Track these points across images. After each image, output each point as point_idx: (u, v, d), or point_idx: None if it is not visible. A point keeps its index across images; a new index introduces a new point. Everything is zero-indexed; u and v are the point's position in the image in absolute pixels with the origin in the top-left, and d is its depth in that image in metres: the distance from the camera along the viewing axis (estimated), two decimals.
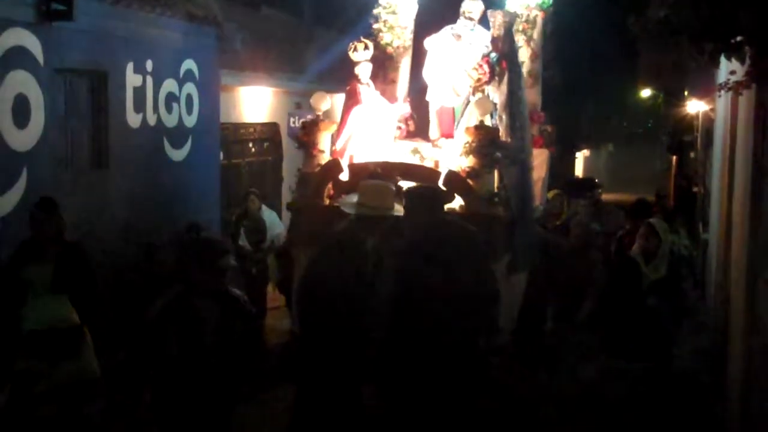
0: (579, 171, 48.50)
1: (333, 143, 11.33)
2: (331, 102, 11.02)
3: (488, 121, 11.03)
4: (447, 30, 12.01)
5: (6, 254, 7.82)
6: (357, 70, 11.51)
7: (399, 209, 7.54)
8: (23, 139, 9.05)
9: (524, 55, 12.40)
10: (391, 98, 12.10)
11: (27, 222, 7.76)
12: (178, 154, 13.04)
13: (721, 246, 10.75)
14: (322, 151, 10.70)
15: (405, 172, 10.39)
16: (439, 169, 10.60)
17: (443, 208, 7.68)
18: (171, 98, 12.77)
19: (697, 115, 22.10)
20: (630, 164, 48.70)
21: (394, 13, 12.37)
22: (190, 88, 12.83)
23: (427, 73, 12.11)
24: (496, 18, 11.38)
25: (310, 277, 7.55)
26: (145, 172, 12.07)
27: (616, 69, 31.93)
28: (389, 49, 12.36)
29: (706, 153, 18.16)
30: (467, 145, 10.33)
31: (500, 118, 11.04)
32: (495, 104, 11.21)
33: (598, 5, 24.63)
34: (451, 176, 10.28)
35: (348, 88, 11.55)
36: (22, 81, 9.08)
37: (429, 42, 12.05)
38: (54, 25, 9.33)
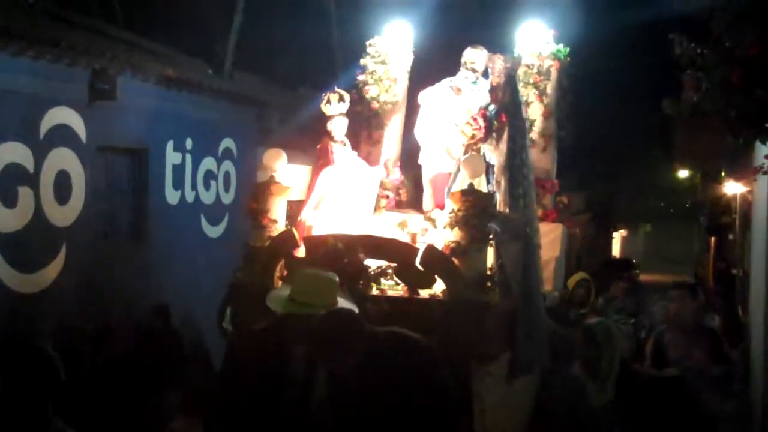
0: (616, 251, 45.37)
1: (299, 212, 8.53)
2: (286, 160, 8.18)
3: (483, 186, 8.15)
4: (445, 83, 9.29)
5: (48, 327, 7.42)
6: (330, 125, 8.84)
7: (344, 303, 5.40)
8: (64, 215, 8.71)
9: (536, 112, 9.56)
10: (377, 162, 9.30)
11: (64, 294, 7.72)
12: (214, 231, 12.80)
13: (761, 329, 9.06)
14: (275, 221, 7.92)
15: (373, 247, 7.62)
16: (417, 245, 7.66)
17: (361, 333, 4.96)
18: (209, 176, 12.62)
19: (734, 197, 20.18)
20: (667, 245, 45.73)
21: (383, 63, 9.68)
22: (228, 165, 12.54)
23: (420, 133, 9.34)
24: (496, 63, 8.61)
25: (219, 396, 5.45)
26: (181, 248, 11.70)
27: (652, 145, 29.16)
28: (374, 104, 9.51)
29: (745, 235, 16.82)
30: (452, 214, 7.41)
31: (498, 183, 8.18)
32: (491, 165, 8.33)
33: (628, 72, 21.51)
34: (431, 254, 7.44)
35: (318, 146, 8.84)
36: (64, 158, 8.82)
37: (423, 96, 9.34)
38: (97, 104, 9.18)
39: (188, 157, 11.64)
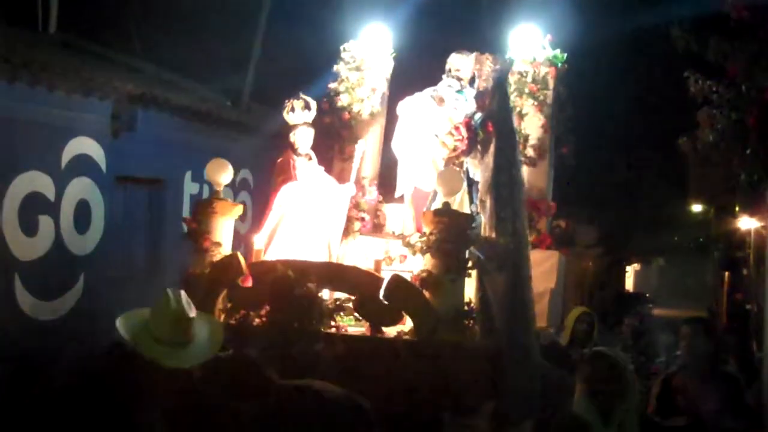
0: (629, 285, 43.54)
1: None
2: (232, 173, 6.62)
3: (464, 207, 6.59)
4: (427, 92, 7.68)
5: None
6: (293, 136, 7.23)
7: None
8: (82, 244, 8.34)
9: (533, 124, 7.97)
10: (349, 180, 7.77)
11: (81, 322, 7.49)
12: None
13: None
14: (218, 244, 6.33)
15: (329, 276, 6.08)
16: (381, 275, 6.07)
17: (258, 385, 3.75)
18: None
19: (749, 232, 19.60)
20: (681, 279, 43.74)
21: (358, 69, 8.11)
22: (244, 196, 11.49)
23: (397, 147, 7.77)
24: (483, 65, 7.01)
25: None
26: None
27: (666, 178, 27.63)
28: (346, 115, 7.95)
29: (759, 270, 16.16)
30: (424, 238, 5.82)
31: (482, 203, 6.61)
32: (475, 182, 6.76)
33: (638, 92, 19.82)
34: (396, 285, 5.89)
35: (279, 160, 7.23)
36: (85, 187, 8.52)
37: (402, 107, 7.80)
38: (118, 135, 8.74)
39: (205, 187, 10.57)
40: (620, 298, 24.64)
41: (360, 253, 7.28)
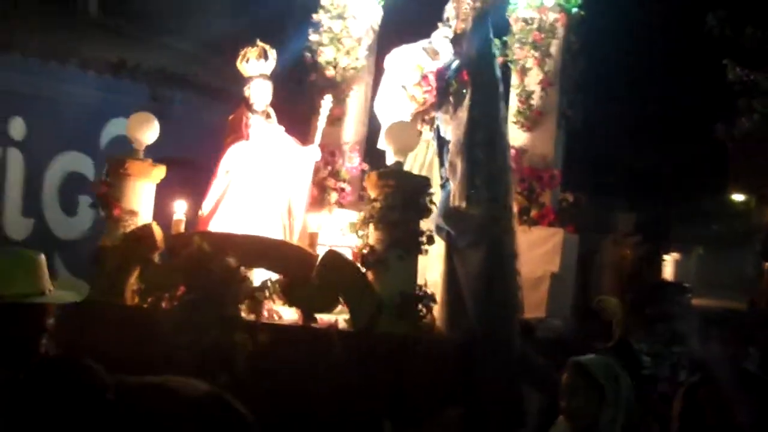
0: (668, 275, 41.50)
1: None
2: (157, 129, 5.26)
3: (432, 172, 5.18)
4: (421, 44, 6.23)
5: None
6: (247, 90, 5.84)
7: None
8: None
9: (533, 80, 6.47)
10: (338, 145, 6.39)
11: None
12: None
13: None
14: (133, 213, 4.95)
15: (253, 252, 4.63)
16: (316, 250, 4.68)
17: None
18: None
19: None
20: (720, 269, 41.61)
21: (341, 17, 6.71)
22: None
23: (380, 107, 6.34)
24: (461, 3, 5.51)
25: None
26: None
27: (704, 165, 25.92)
28: (329, 72, 6.56)
29: None
30: (368, 206, 4.41)
31: (452, 166, 5.12)
32: (446, 142, 5.32)
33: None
34: (332, 263, 4.43)
35: (230, 117, 5.85)
36: None
37: (389, 60, 6.34)
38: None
39: None
40: (658, 288, 22.79)
41: (336, 229, 5.89)
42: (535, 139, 6.67)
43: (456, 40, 5.75)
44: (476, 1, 5.51)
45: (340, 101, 6.85)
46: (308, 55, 6.96)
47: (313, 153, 5.97)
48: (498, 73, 5.50)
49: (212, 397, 2.82)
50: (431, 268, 5.29)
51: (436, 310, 5.00)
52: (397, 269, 4.55)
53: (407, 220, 4.57)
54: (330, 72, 6.89)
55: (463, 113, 5.32)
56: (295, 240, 5.57)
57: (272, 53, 6.08)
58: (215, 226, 5.57)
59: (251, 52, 6.03)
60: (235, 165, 5.85)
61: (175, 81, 8.73)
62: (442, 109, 5.53)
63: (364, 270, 4.58)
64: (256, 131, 5.93)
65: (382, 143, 4.98)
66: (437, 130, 5.60)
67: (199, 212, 5.76)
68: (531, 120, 6.64)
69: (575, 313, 6.86)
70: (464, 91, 5.32)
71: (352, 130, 7.00)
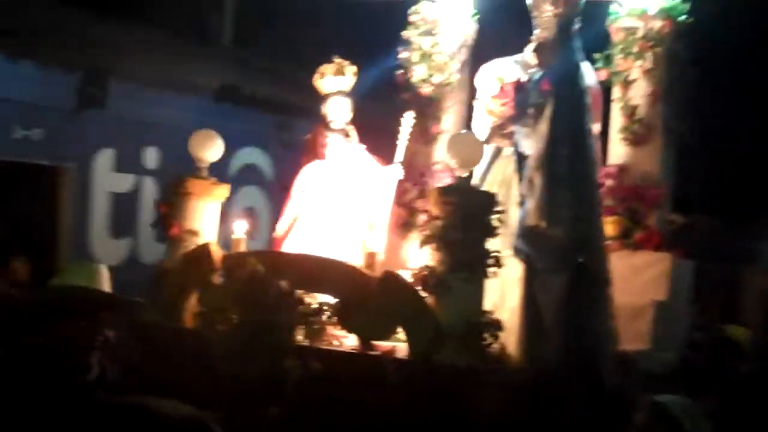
0: None
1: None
2: (222, 149, 5.10)
3: (511, 187, 4.80)
4: (513, 58, 5.93)
5: None
6: (325, 108, 5.59)
7: None
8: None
9: (639, 92, 5.94)
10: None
11: None
12: None
13: None
14: (193, 233, 4.78)
15: (310, 274, 4.40)
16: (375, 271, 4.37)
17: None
18: None
19: None
20: None
21: (430, 34, 6.36)
22: None
23: (477, 128, 5.98)
24: (542, 9, 5.10)
25: None
26: None
27: None
28: (423, 89, 6.27)
29: None
30: (428, 224, 4.08)
31: (530, 183, 4.68)
32: (524, 158, 4.90)
33: None
34: (390, 286, 4.10)
35: (307, 136, 5.67)
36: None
37: (481, 76, 6.00)
38: None
39: None
40: None
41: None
42: (639, 155, 6.11)
43: (538, 50, 5.32)
44: (558, 8, 5.08)
45: (436, 119, 6.53)
46: (399, 73, 6.67)
47: (394, 172, 5.67)
48: (584, 83, 5.06)
49: (192, 421, 2.58)
50: (510, 294, 4.88)
51: (512, 339, 4.58)
52: (461, 293, 4.18)
53: (471, 240, 4.19)
54: (423, 89, 6.58)
55: (543, 126, 4.89)
56: (377, 263, 5.30)
57: (350, 69, 5.86)
58: (289, 247, 5.37)
59: (327, 69, 5.84)
60: (310, 185, 5.65)
61: (301, 111, 8.56)
62: (521, 122, 5.12)
63: (424, 294, 4.22)
64: (333, 150, 5.70)
65: (445, 157, 4.62)
66: (516, 145, 5.19)
67: (274, 233, 5.60)
68: (635, 135, 6.11)
69: (691, 345, 6.23)
70: (544, 102, 4.89)
71: (444, 149, 6.65)
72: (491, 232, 4.27)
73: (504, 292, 4.88)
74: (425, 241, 4.26)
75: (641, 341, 5.79)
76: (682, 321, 6.38)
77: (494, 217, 4.29)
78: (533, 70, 5.38)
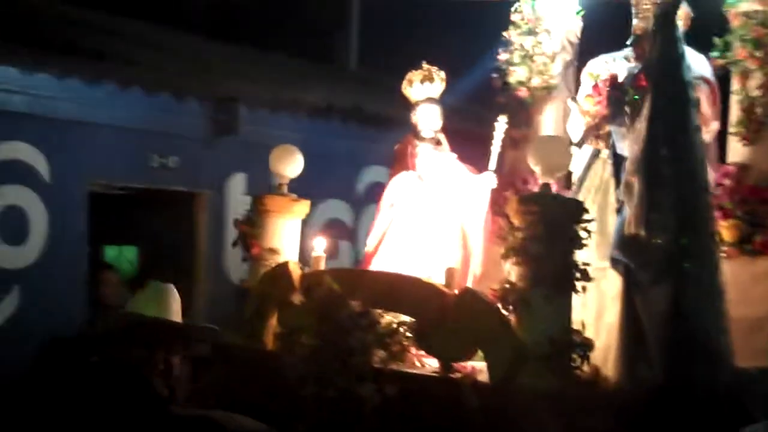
0: None
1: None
2: (301, 162, 4.93)
3: (607, 192, 4.44)
4: (620, 54, 5.51)
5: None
6: (415, 116, 5.35)
7: None
8: None
9: (754, 84, 5.43)
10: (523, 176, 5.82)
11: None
12: None
13: None
14: (274, 251, 4.63)
15: (387, 292, 4.13)
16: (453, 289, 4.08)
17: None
18: None
19: None
20: None
21: (532, 33, 6.03)
22: None
23: (573, 128, 5.63)
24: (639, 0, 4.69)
25: None
26: None
27: None
28: (521, 91, 5.96)
29: None
30: (509, 236, 3.78)
31: (627, 187, 4.30)
32: (623, 159, 4.53)
33: None
34: (468, 303, 3.82)
35: (396, 146, 5.44)
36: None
37: (587, 72, 5.62)
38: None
39: None
40: None
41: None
42: (759, 152, 5.57)
43: (635, 43, 4.90)
44: None
45: (529, 124, 6.17)
46: (497, 76, 6.35)
47: (487, 180, 5.35)
48: (688, 75, 4.62)
49: None
50: (608, 310, 4.49)
51: (610, 359, 4.20)
52: (544, 311, 3.82)
53: (555, 252, 3.84)
54: (522, 92, 6.24)
55: (641, 124, 4.48)
56: (471, 276, 5.02)
57: (439, 75, 5.59)
58: (379, 263, 5.14)
59: (415, 76, 5.59)
60: (399, 197, 5.39)
61: None
62: (617, 122, 4.71)
63: (505, 312, 3.90)
64: (423, 160, 5.44)
65: (530, 162, 4.28)
66: (612, 147, 4.78)
67: (365, 248, 5.39)
68: (754, 131, 5.57)
69: None
70: (641, 99, 4.48)
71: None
72: (578, 243, 3.90)
73: (602, 308, 4.50)
74: (506, 255, 3.94)
75: (762, 357, 5.27)
76: None
77: (582, 226, 3.91)
78: (633, 65, 4.97)
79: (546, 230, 3.83)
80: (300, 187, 7.53)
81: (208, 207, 7.75)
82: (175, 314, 3.28)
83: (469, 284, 4.87)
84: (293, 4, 9.92)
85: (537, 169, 4.11)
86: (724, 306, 4.50)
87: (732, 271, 5.26)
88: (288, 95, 8.09)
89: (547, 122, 6.25)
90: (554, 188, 5.60)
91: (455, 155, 5.57)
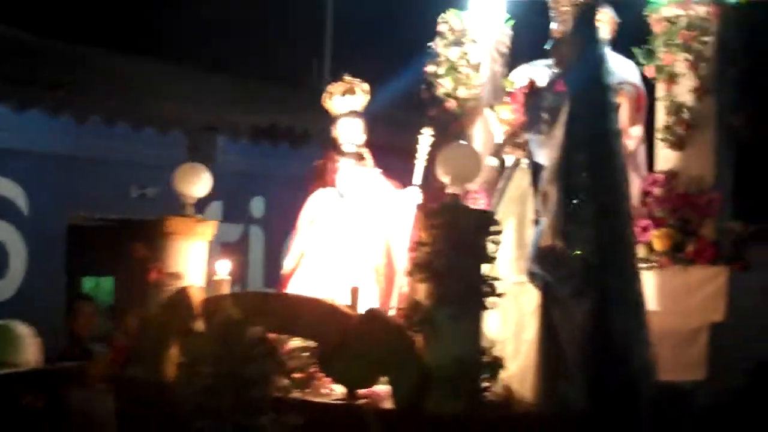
0: None
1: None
2: (210, 183, 4.66)
3: (526, 202, 4.22)
4: (545, 62, 5.31)
5: None
6: (336, 130, 5.11)
7: None
8: None
9: (685, 88, 5.22)
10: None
11: None
12: None
13: None
14: (176, 276, 4.32)
15: (288, 316, 3.81)
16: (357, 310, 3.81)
17: None
18: None
19: None
20: None
21: (458, 43, 5.81)
22: None
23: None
24: (558, 2, 4.50)
25: None
26: None
27: None
28: (450, 103, 5.73)
29: None
30: (413, 251, 3.53)
31: (544, 196, 4.07)
32: (540, 168, 4.31)
33: None
34: (371, 325, 3.55)
35: (316, 162, 5.19)
36: None
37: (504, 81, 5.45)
38: None
39: None
40: None
41: None
42: (690, 158, 5.39)
43: (554, 48, 4.69)
44: None
45: (459, 137, 5.94)
46: (425, 88, 6.13)
47: (412, 196, 5.10)
48: (607, 80, 4.42)
49: None
50: (528, 326, 4.26)
51: (528, 376, 3.97)
52: (451, 330, 3.57)
53: (462, 267, 3.59)
54: (450, 104, 6.02)
55: (558, 132, 4.27)
56: (397, 293, 4.77)
57: (362, 87, 5.35)
58: (297, 285, 4.87)
59: (335, 88, 5.34)
60: (318, 214, 5.14)
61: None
62: (534, 129, 4.50)
63: (408, 332, 3.64)
64: (344, 176, 5.19)
65: (438, 171, 4.04)
66: (530, 155, 4.57)
67: (281, 270, 5.12)
68: (682, 136, 5.39)
69: (755, 373, 5.44)
70: (559, 105, 4.27)
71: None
72: (487, 257, 3.66)
73: (521, 325, 4.27)
74: (410, 272, 3.68)
75: (696, 370, 5.06)
76: (746, 343, 5.60)
77: (491, 238, 3.67)
78: (554, 71, 4.77)
79: (452, 244, 3.58)
80: (274, 216, 7.86)
81: None
82: (31, 355, 3.02)
83: (395, 302, 4.65)
84: (268, 31, 10.08)
85: (446, 179, 3.87)
86: (645, 319, 4.31)
87: (664, 281, 5.09)
88: (263, 122, 8.18)
89: (478, 134, 6.05)
90: (476, 198, 5.42)
91: (379, 170, 5.34)
